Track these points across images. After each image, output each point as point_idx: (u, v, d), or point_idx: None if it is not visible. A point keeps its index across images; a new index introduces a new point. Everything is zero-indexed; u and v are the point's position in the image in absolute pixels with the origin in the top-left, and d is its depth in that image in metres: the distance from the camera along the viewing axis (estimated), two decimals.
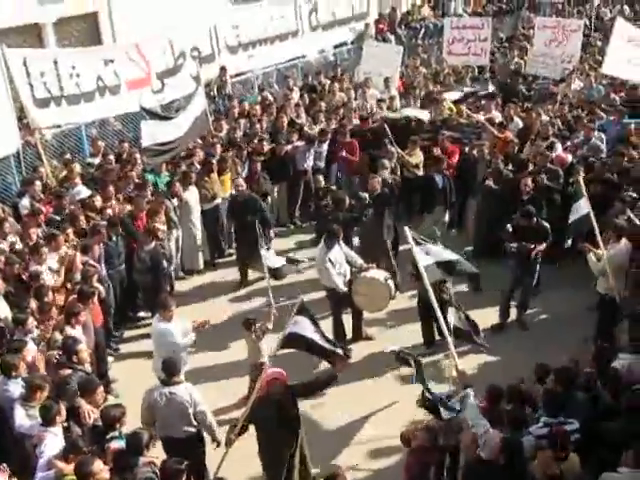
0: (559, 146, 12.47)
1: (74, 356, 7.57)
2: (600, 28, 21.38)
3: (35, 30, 15.48)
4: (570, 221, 9.97)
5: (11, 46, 12.66)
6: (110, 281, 10.15)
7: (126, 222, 10.66)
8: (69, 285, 9.30)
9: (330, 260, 9.53)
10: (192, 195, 11.87)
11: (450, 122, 13.79)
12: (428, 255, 8.16)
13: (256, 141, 13.19)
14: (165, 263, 10.49)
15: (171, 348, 8.18)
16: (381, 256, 10.82)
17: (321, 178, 12.79)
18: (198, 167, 12.38)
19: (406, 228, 8.27)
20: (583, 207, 9.56)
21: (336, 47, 18.28)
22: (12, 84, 12.25)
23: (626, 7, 25.44)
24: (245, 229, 11.38)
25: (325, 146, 13.64)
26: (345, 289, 9.66)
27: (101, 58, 13.42)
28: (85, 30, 16.47)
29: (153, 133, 12.07)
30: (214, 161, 12.32)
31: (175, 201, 11.62)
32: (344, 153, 13.39)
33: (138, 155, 12.64)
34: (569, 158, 12.04)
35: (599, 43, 19.20)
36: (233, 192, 12.00)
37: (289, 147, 13.27)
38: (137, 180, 11.87)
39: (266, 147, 13.14)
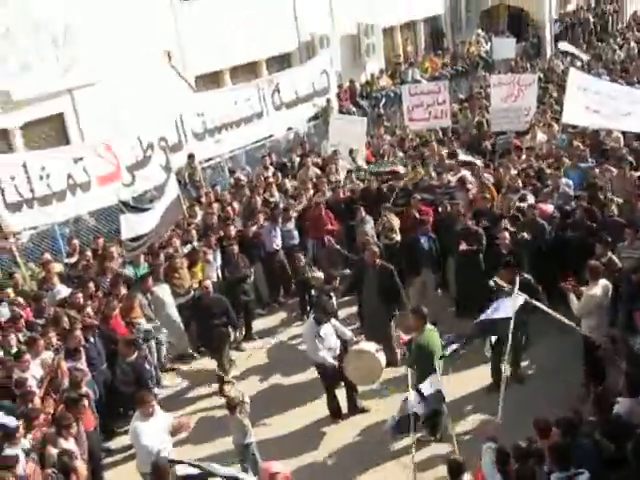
0: (531, 197, 12.64)
1: (72, 474, 7.31)
2: (554, 80, 21.97)
3: (3, 136, 15.63)
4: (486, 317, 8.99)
5: None
6: (95, 384, 9.93)
7: (101, 329, 10.48)
8: (55, 394, 9.02)
9: (319, 335, 9.45)
10: (162, 290, 11.68)
11: (422, 185, 13.95)
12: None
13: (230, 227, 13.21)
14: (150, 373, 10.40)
15: (144, 450, 8.00)
16: (382, 328, 10.74)
17: (301, 256, 12.71)
18: (176, 255, 12.32)
19: None
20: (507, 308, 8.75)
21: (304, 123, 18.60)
22: None
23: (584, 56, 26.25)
24: (210, 331, 10.97)
25: (292, 224, 13.63)
26: (335, 363, 9.55)
27: (70, 157, 13.57)
28: (52, 131, 16.66)
29: (132, 225, 12.04)
30: (179, 257, 12.24)
31: (149, 296, 11.44)
32: (329, 226, 13.41)
33: (114, 249, 12.62)
34: (550, 208, 12.20)
35: (555, 94, 19.69)
36: (197, 293, 11.71)
37: (254, 229, 13.29)
38: (119, 273, 11.80)
39: (233, 231, 13.15)
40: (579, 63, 25.22)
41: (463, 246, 11.67)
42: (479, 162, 15.01)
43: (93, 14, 16.29)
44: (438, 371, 8.18)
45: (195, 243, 12.73)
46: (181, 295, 12.01)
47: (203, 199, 14.73)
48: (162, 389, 11.32)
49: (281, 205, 13.94)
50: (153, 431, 8.09)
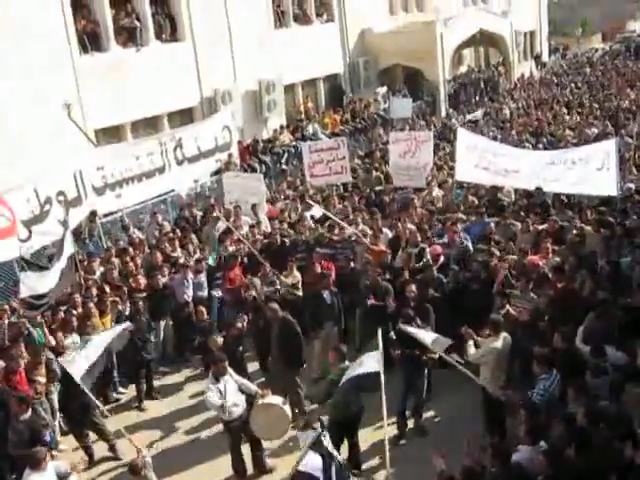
0: (428, 251, 13.04)
1: None
2: (449, 137, 22.90)
3: None
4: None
5: None
6: None
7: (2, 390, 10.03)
8: None
9: (220, 391, 9.36)
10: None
11: (322, 240, 14.16)
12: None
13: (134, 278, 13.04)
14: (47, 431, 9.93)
15: None
16: (288, 380, 10.85)
17: (204, 310, 12.63)
18: (74, 312, 11.98)
19: None
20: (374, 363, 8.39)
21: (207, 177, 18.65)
22: None
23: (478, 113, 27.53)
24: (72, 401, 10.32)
25: (203, 276, 13.62)
26: (235, 417, 9.45)
27: None
28: None
29: (32, 284, 11.69)
30: (91, 304, 11.99)
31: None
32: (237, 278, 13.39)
33: (7, 307, 12.16)
34: (439, 249, 12.76)
35: (448, 150, 20.50)
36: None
37: (165, 279, 13.19)
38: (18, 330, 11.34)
39: (142, 283, 13.00)
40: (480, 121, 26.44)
41: (371, 300, 11.89)
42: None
43: None
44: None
45: (95, 300, 12.40)
46: None
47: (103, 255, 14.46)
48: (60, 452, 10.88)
49: (182, 260, 13.84)
50: None
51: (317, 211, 15.58)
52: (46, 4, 17.58)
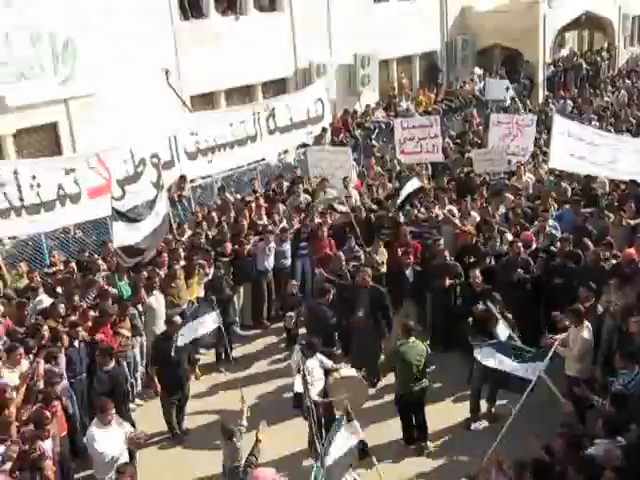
0: (509, 236, 12.77)
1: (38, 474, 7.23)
2: (544, 123, 22.26)
3: None
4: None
5: None
6: (72, 391, 9.90)
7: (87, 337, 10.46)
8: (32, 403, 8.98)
9: (307, 369, 9.46)
10: (157, 301, 11.76)
11: (409, 217, 14.05)
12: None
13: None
14: (127, 384, 10.38)
15: (99, 457, 8.20)
16: (372, 350, 11.04)
17: (294, 282, 12.80)
18: (161, 272, 12.31)
19: None
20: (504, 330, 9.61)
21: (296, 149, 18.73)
22: None
23: (569, 102, 26.65)
24: (174, 373, 10.37)
25: (287, 245, 13.74)
26: (316, 398, 9.52)
27: (62, 167, 13.56)
28: (45, 141, 16.67)
29: (123, 234, 12.13)
30: (177, 267, 12.26)
31: (140, 307, 11.48)
32: (327, 250, 13.40)
33: (100, 261, 12.61)
34: (531, 235, 12.47)
35: (544, 136, 19.97)
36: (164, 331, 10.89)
37: (249, 246, 13.36)
38: (104, 286, 11.77)
39: (229, 248, 13.21)
40: (569, 108, 25.65)
41: (446, 282, 11.77)
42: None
43: (95, 29, 16.43)
44: None
45: (182, 262, 12.70)
46: (177, 306, 12.02)
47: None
48: (136, 406, 11.26)
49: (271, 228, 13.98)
50: (108, 439, 8.24)
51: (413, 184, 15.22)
52: None
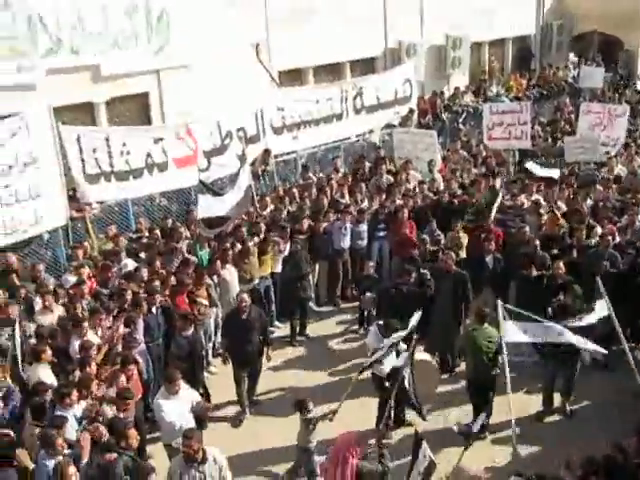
0: (598, 229, 12.37)
1: (122, 440, 7.43)
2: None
3: (88, 109, 16.06)
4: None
5: (65, 123, 13.14)
6: (149, 355, 10.17)
7: (168, 306, 10.71)
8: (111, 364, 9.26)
9: (383, 349, 9.44)
10: (230, 274, 11.88)
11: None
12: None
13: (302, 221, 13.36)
14: (203, 351, 10.49)
15: (167, 426, 8.36)
16: (451, 334, 10.94)
17: (371, 264, 12.77)
18: (236, 246, 12.45)
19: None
20: (603, 308, 9.42)
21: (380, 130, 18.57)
22: (65, 159, 12.67)
23: None
24: (243, 348, 10.29)
25: (364, 226, 13.68)
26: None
27: (151, 136, 13.86)
28: (135, 110, 17.04)
29: (208, 206, 12.45)
30: (251, 244, 12.36)
31: (215, 278, 11.65)
32: (407, 231, 13.30)
33: (183, 229, 12.85)
34: (613, 228, 12.23)
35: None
36: (234, 306, 10.81)
37: (325, 224, 13.38)
38: (185, 255, 12.01)
39: (306, 225, 13.26)
40: None
41: (533, 272, 11.49)
42: (556, 175, 14.79)
43: (189, 1, 16.62)
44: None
45: (261, 236, 12.82)
46: (247, 281, 12.13)
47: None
48: (209, 374, 11.45)
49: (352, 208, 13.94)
50: (175, 408, 8.37)
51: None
52: None
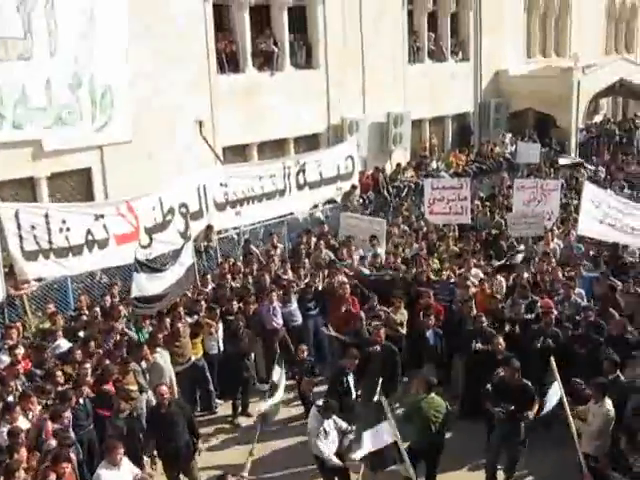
0: (539, 304, 12.60)
1: None
2: (575, 189, 22.18)
3: (29, 184, 15.94)
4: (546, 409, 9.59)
5: (4, 198, 13.03)
6: (80, 444, 9.77)
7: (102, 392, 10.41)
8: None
9: (324, 430, 9.36)
10: (162, 357, 11.48)
11: (421, 278, 13.96)
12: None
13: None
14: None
15: None
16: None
17: (304, 347, 12.46)
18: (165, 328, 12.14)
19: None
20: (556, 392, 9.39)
21: (323, 205, 18.88)
22: (1, 235, 12.49)
23: (601, 168, 26.53)
24: (169, 444, 9.69)
25: (294, 305, 13.54)
26: (336, 460, 9.38)
27: (91, 213, 13.80)
28: (78, 185, 16.97)
29: (143, 285, 12.18)
30: (181, 325, 12.12)
31: (144, 364, 11.20)
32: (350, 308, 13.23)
33: (122, 308, 12.66)
34: (550, 302, 12.31)
35: (574, 202, 19.84)
36: (153, 402, 10.49)
37: (254, 306, 13.22)
38: (119, 335, 11.80)
39: (235, 307, 13.08)
40: (602, 174, 25.52)
41: (478, 346, 11.59)
42: None
43: (133, 77, 16.81)
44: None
45: (201, 314, 12.70)
46: (180, 364, 11.88)
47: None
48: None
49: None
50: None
51: None
52: (191, 23, 18.29)
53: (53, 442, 9.09)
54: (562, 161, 26.71)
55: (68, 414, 9.59)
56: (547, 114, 28.76)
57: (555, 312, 12.17)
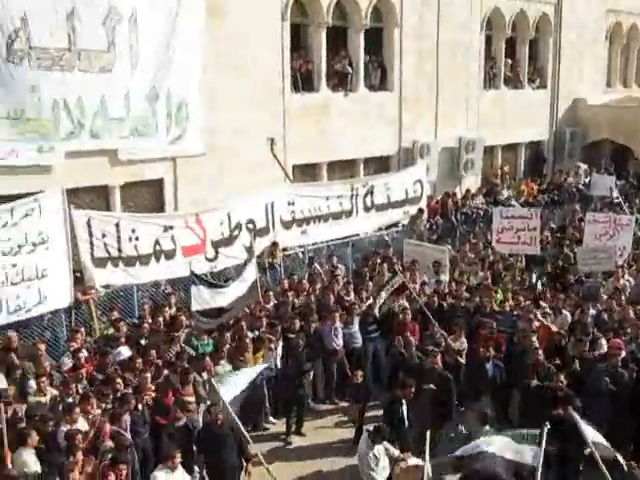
0: (603, 342, 12.24)
1: None
2: None
3: (103, 191, 16.37)
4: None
5: (79, 205, 13.41)
6: (135, 451, 9.94)
7: (158, 400, 10.57)
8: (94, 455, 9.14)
9: (374, 456, 9.31)
10: (223, 370, 11.60)
11: (483, 309, 13.77)
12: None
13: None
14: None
15: None
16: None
17: (360, 373, 12.39)
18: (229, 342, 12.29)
19: None
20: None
21: (388, 228, 18.78)
22: (74, 241, 12.84)
23: None
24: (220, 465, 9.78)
25: (355, 327, 13.52)
26: None
27: (161, 224, 14.10)
28: (150, 195, 17.33)
29: (204, 298, 12.37)
30: (248, 340, 12.24)
31: (205, 375, 11.32)
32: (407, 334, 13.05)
33: (184, 318, 12.83)
34: (619, 341, 11.82)
35: None
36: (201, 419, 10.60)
37: (316, 325, 13.24)
38: (182, 345, 11.97)
39: (297, 325, 13.07)
40: None
41: (534, 382, 11.33)
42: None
43: (208, 93, 17.13)
44: None
45: (262, 330, 12.77)
46: None
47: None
48: None
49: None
50: None
51: None
52: (268, 41, 18.57)
53: (110, 443, 9.33)
54: None
55: (127, 417, 9.84)
56: (625, 146, 28.08)
57: (623, 352, 11.80)
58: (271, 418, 12.80)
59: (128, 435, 9.71)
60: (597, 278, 16.19)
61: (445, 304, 14.10)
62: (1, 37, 13.92)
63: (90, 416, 9.66)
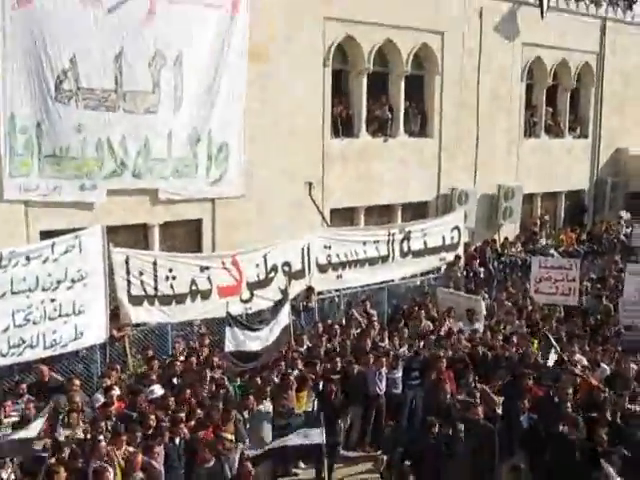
0: None
1: None
2: None
3: (142, 230, 16.61)
4: None
5: (118, 243, 13.59)
6: None
7: (192, 437, 10.48)
8: None
9: None
10: (266, 408, 11.63)
11: (527, 359, 13.51)
12: None
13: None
14: None
15: None
16: None
17: (391, 423, 12.40)
18: (276, 380, 12.33)
19: None
20: None
21: (425, 274, 18.69)
22: (111, 278, 12.97)
23: None
24: None
25: (399, 372, 13.34)
26: None
27: (198, 264, 14.18)
28: (188, 234, 17.51)
29: (239, 340, 12.38)
30: (292, 377, 12.23)
31: (246, 414, 11.39)
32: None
33: (216, 359, 12.82)
34: None
35: None
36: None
37: (358, 367, 13.11)
38: (215, 385, 11.93)
39: (339, 365, 13.01)
40: None
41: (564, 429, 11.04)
42: None
43: (248, 135, 17.39)
44: None
45: (296, 371, 12.70)
46: (282, 416, 11.72)
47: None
48: None
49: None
50: None
51: None
52: (310, 86, 18.79)
53: (140, 474, 9.32)
54: None
55: (160, 449, 9.82)
56: None
57: None
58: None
59: (161, 468, 9.70)
60: (637, 331, 15.86)
61: (488, 353, 13.86)
62: (51, 77, 14.42)
63: (119, 452, 9.66)
